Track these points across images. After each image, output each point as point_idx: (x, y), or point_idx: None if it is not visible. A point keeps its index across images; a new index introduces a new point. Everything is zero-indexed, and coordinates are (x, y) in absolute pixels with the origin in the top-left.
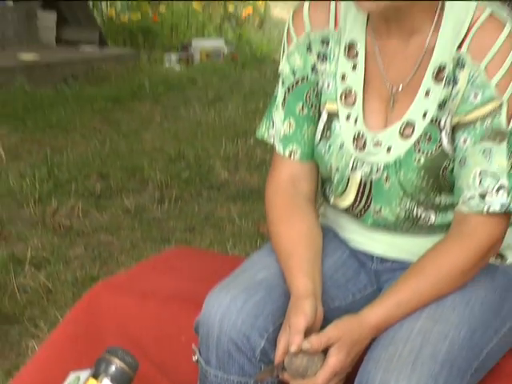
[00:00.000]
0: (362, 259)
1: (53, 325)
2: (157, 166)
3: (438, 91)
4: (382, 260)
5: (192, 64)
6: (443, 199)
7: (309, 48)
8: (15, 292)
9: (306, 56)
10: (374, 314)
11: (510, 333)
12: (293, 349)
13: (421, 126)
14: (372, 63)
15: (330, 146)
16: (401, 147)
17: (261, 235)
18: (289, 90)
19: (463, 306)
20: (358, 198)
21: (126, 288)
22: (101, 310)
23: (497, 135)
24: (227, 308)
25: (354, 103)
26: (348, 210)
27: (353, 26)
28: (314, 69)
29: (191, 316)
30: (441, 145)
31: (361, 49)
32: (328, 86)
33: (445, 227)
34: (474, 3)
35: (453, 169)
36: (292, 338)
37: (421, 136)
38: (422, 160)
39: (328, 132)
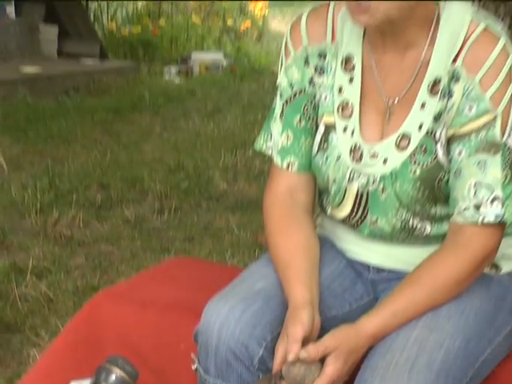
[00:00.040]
0: (358, 269)
1: (54, 333)
2: (156, 177)
3: (434, 104)
4: (379, 270)
5: (191, 76)
6: (439, 210)
7: (306, 61)
8: (17, 301)
9: (304, 69)
10: (371, 323)
11: (504, 342)
12: (290, 357)
13: (416, 138)
14: (368, 76)
15: (327, 158)
16: (397, 159)
17: (259, 245)
18: (287, 102)
19: (458, 316)
20: (355, 209)
21: (126, 297)
22: (101, 319)
23: (491, 147)
24: (226, 317)
25: (350, 115)
26: (345, 221)
27: (349, 39)
28: (311, 82)
29: (190, 325)
30: (436, 156)
31: (357, 62)
32: (325, 98)
33: (440, 238)
34: (469, 17)
35: (448, 180)
36: (290, 347)
37: (416, 148)
38: (418, 171)
39: (325, 144)
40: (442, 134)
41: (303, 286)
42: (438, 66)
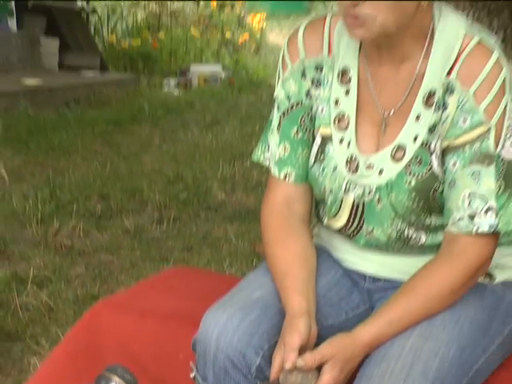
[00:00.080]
0: (354, 278)
1: (54, 342)
2: (156, 188)
3: (429, 116)
4: (374, 279)
5: (190, 88)
6: (433, 220)
7: (303, 74)
8: (18, 310)
9: (301, 82)
10: (367, 332)
11: (498, 351)
12: (287, 366)
13: (412, 150)
14: (364, 89)
15: (323, 169)
16: (392, 170)
17: (257, 255)
18: (284, 114)
19: (453, 325)
20: (351, 219)
21: (126, 307)
22: (101, 328)
23: (485, 158)
24: (224, 326)
25: (346, 127)
26: (341, 231)
27: (346, 52)
28: (308, 94)
29: (189, 334)
30: (431, 167)
31: (353, 75)
32: (322, 110)
33: (435, 247)
34: (463, 31)
35: (443, 191)
36: (287, 356)
37: (412, 159)
38: (413, 182)
39: (322, 155)
40: (436, 145)
41: (300, 296)
42: (432, 78)
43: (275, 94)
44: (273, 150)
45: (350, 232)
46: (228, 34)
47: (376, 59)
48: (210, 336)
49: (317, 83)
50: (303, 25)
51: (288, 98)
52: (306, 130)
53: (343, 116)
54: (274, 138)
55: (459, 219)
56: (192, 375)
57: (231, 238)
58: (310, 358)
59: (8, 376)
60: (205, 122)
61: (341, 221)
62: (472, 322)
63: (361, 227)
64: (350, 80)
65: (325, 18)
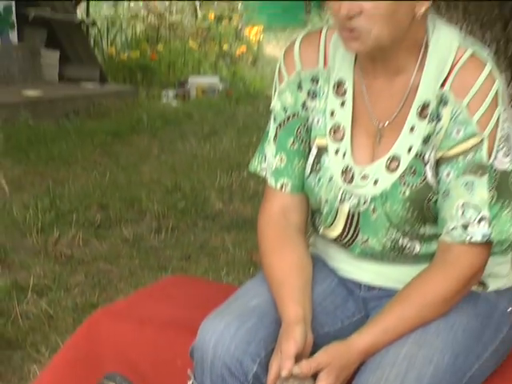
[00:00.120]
0: (350, 287)
1: (54, 350)
2: (154, 197)
3: (423, 127)
4: (370, 288)
5: (188, 100)
6: (427, 230)
7: (299, 86)
8: (18, 318)
9: (297, 93)
10: (362, 339)
11: (491, 358)
12: (284, 373)
13: (406, 160)
14: (359, 100)
15: (319, 179)
16: (387, 180)
17: (254, 263)
18: (280, 125)
19: (447, 332)
20: (346, 229)
21: (125, 315)
22: (100, 336)
23: (478, 169)
24: (221, 334)
25: (342, 138)
26: (337, 240)
27: (341, 65)
28: (304, 106)
29: (187, 342)
30: (425, 178)
31: (349, 87)
32: (318, 121)
33: (429, 256)
34: (456, 44)
35: (436, 201)
36: (283, 363)
37: (406, 169)
38: (408, 192)
39: (318, 166)
40: (430, 156)
41: (296, 304)
42: (426, 90)
43: (272, 105)
44: (269, 160)
45: (346, 241)
46: (226, 47)
47: (371, 71)
48: (207, 344)
49: (313, 95)
50: (299, 37)
51: (284, 109)
52: (302, 140)
53: (339, 127)
54: (270, 148)
55: (453, 229)
56: (190, 383)
57: (228, 247)
58: (306, 366)
59: (8, 383)
60: (203, 133)
61: (336, 230)
62: (465, 329)
63: (356, 237)
64: (345, 92)
65: (320, 31)
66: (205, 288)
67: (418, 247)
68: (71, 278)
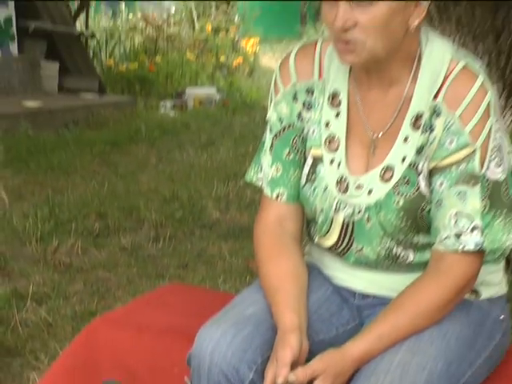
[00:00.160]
0: (344, 295)
1: (53, 357)
2: (152, 206)
3: (416, 138)
4: (364, 296)
5: (186, 110)
6: (421, 239)
7: (295, 97)
8: (17, 326)
9: (293, 105)
10: (356, 347)
11: (484, 364)
12: (280, 381)
13: (400, 170)
14: (354, 111)
15: (314, 189)
16: (381, 190)
17: (250, 271)
18: (276, 136)
19: (440, 340)
20: (341, 238)
21: (123, 323)
22: (98, 343)
23: (471, 179)
24: (217, 342)
25: (337, 149)
26: (331, 249)
27: (336, 76)
28: (299, 116)
29: (184, 349)
30: (418, 188)
31: (344, 98)
32: (313, 132)
33: (423, 265)
34: (449, 56)
35: (430, 210)
36: (279, 371)
37: (400, 179)
38: (401, 202)
39: (313, 175)
40: (424, 166)
41: (292, 312)
42: (419, 101)
43: (268, 116)
44: (265, 170)
45: (340, 250)
46: (222, 58)
47: (365, 83)
48: (204, 351)
49: (308, 106)
50: (295, 50)
51: (280, 120)
52: (298, 151)
53: (333, 138)
54: (266, 158)
55: (446, 238)
56: None
57: (225, 256)
58: (302, 373)
59: None
60: (200, 143)
61: (331, 239)
62: (458, 337)
63: (351, 245)
64: (340, 103)
65: (315, 43)
66: (202, 296)
67: (411, 256)
68: (70, 286)
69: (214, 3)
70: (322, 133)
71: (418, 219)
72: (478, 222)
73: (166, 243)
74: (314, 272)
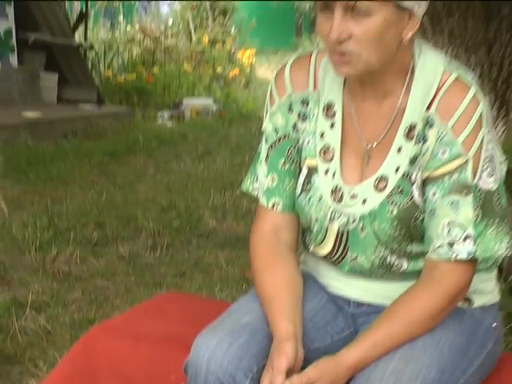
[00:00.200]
0: (339, 303)
1: (52, 365)
2: (150, 216)
3: (409, 148)
4: (358, 304)
5: (183, 121)
6: (414, 248)
7: (290, 108)
8: (17, 334)
9: (288, 115)
10: (351, 355)
11: (476, 372)
12: None
13: (393, 180)
14: (348, 122)
15: (309, 199)
16: (375, 199)
17: (246, 280)
18: (272, 146)
19: (433, 348)
20: (336, 247)
21: (121, 331)
22: (96, 351)
23: (463, 189)
24: (214, 350)
25: (332, 159)
26: (326, 258)
27: (331, 88)
28: (294, 127)
29: (181, 357)
30: (412, 197)
31: (338, 109)
32: (308, 143)
33: (416, 274)
34: (442, 68)
35: (423, 219)
36: (274, 378)
37: (393, 189)
38: (395, 211)
39: (308, 185)
40: (417, 176)
41: (287, 320)
42: (413, 112)
43: (263, 127)
44: (261, 180)
45: (335, 259)
46: (219, 69)
47: (360, 94)
48: (200, 359)
49: (303, 117)
50: (290, 61)
51: (276, 130)
52: (293, 161)
53: (328, 148)
54: (262, 169)
55: (439, 246)
56: None
57: (222, 264)
58: (297, 381)
59: None
60: (197, 153)
61: (326, 248)
62: (451, 345)
63: (345, 254)
64: (334, 114)
65: (310, 55)
66: (199, 304)
67: (405, 265)
68: (69, 295)
69: (210, 15)
70: (317, 143)
71: (411, 228)
72: (470, 231)
73: (163, 252)
74: (309, 281)
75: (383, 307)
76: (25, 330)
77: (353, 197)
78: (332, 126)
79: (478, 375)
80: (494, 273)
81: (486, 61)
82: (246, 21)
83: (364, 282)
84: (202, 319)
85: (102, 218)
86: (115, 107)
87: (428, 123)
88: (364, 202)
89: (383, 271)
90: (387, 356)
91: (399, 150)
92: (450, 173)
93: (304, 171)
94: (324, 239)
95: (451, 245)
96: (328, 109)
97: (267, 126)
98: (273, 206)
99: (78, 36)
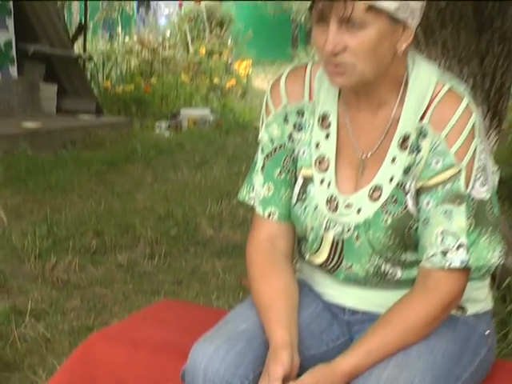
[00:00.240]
0: (334, 311)
1: (51, 372)
2: (148, 224)
3: (403, 158)
4: (353, 312)
5: (180, 131)
6: (409, 256)
7: (285, 119)
8: (16, 341)
9: (283, 126)
10: (346, 362)
11: (470, 378)
12: None
13: (388, 190)
14: (343, 133)
15: (305, 208)
16: (370, 209)
17: (243, 288)
18: (268, 156)
19: (427, 355)
20: (331, 256)
21: (119, 338)
22: (95, 358)
23: (456, 198)
24: (211, 357)
25: (327, 169)
26: (322, 266)
27: (326, 98)
28: (290, 137)
29: (178, 365)
30: (406, 206)
31: (333, 120)
32: (303, 153)
33: (410, 282)
34: (435, 79)
35: (417, 228)
36: None
37: (388, 199)
38: (389, 220)
39: (303, 195)
40: (411, 185)
41: (283, 328)
42: (407, 123)
43: (259, 137)
44: (257, 190)
45: (330, 267)
46: (216, 80)
47: (354, 105)
48: (197, 367)
49: (298, 127)
50: (285, 72)
51: (271, 141)
52: (289, 171)
53: (323, 158)
54: (258, 178)
55: (433, 255)
56: None
57: (219, 273)
58: None
59: None
60: (194, 162)
61: (321, 257)
62: (445, 353)
63: (340, 263)
64: (329, 124)
65: (306, 66)
66: (196, 312)
67: (399, 273)
68: (67, 303)
69: (207, 27)
70: (313, 153)
71: (405, 237)
72: (463, 240)
73: (161, 260)
74: (304, 289)
75: (378, 315)
76: (24, 338)
77: (348, 206)
78: (327, 136)
79: (472, 382)
80: (487, 281)
81: (478, 72)
82: (242, 32)
83: (359, 290)
84: (199, 327)
85: (100, 227)
86: (113, 117)
87: (421, 133)
88: (359, 211)
89: (378, 279)
90: (382, 363)
91: (393, 160)
92: (444, 182)
93: (299, 181)
94: (319, 248)
95: (444, 253)
96: (323, 119)
97: (263, 136)
98: (269, 215)
99: (77, 47)
